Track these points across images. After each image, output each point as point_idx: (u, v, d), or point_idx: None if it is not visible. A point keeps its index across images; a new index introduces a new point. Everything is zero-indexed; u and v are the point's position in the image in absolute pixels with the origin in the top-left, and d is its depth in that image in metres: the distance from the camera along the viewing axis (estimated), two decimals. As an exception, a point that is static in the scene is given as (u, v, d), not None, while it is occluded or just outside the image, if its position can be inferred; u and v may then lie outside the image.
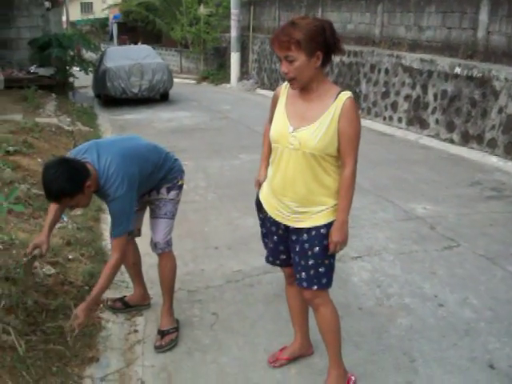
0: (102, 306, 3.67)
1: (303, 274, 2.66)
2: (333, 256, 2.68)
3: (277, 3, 15.93)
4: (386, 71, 10.00)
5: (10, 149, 6.34)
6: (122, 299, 3.73)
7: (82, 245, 4.40)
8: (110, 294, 3.82)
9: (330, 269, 2.68)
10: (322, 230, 2.60)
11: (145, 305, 3.76)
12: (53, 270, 3.74)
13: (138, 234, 3.57)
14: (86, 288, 3.75)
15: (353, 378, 2.88)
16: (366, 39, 11.33)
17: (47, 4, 12.73)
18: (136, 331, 3.52)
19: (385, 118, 10.17)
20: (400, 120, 9.72)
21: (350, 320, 3.49)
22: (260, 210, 2.83)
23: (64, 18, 19.05)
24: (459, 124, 8.27)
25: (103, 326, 3.47)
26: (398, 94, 9.72)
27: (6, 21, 12.36)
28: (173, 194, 3.31)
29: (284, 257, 2.84)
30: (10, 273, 3.35)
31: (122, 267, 3.87)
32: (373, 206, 5.68)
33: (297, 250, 2.67)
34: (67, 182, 2.70)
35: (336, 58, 11.70)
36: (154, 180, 3.20)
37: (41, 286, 3.48)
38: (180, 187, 3.38)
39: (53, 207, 3.19)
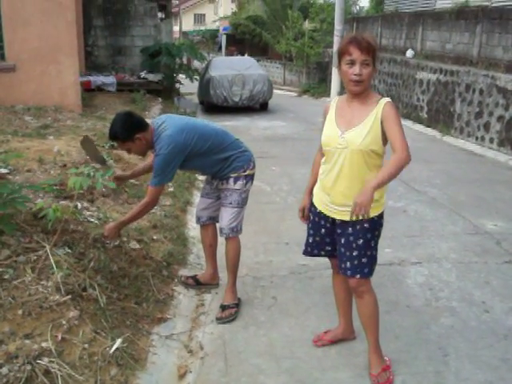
0: (176, 280, 4.19)
1: (348, 263, 2.99)
2: (375, 248, 2.99)
3: (379, 21, 16.16)
4: (481, 91, 9.95)
5: (115, 144, 7.08)
6: (194, 277, 4.22)
7: (166, 229, 4.97)
8: (184, 272, 4.35)
9: (372, 260, 2.99)
10: (365, 225, 2.92)
11: (214, 284, 4.23)
12: (137, 246, 4.31)
13: (217, 220, 3.97)
14: (164, 264, 4.29)
15: (387, 359, 3.16)
16: (464, 59, 11.30)
17: (160, 15, 13.79)
18: (203, 305, 4.00)
19: (477, 138, 10.10)
20: (492, 141, 9.64)
21: (395, 315, 3.77)
22: (312, 206, 3.20)
23: (177, 28, 20.28)
24: (551, 148, 8.14)
25: (175, 297, 3.98)
26: (491, 114, 9.65)
27: (122, 30, 13.58)
28: (239, 184, 3.74)
29: (329, 248, 3.19)
30: (102, 243, 3.93)
31: (201, 249, 4.39)
32: (444, 220, 5.84)
33: (342, 242, 3.01)
34: (120, 128, 3.48)
35: (433, 77, 11.75)
36: (214, 160, 3.65)
37: (126, 256, 4.04)
38: (247, 178, 3.77)
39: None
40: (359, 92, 2.82)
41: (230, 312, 3.78)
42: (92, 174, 4.55)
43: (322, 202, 3.08)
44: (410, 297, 4.07)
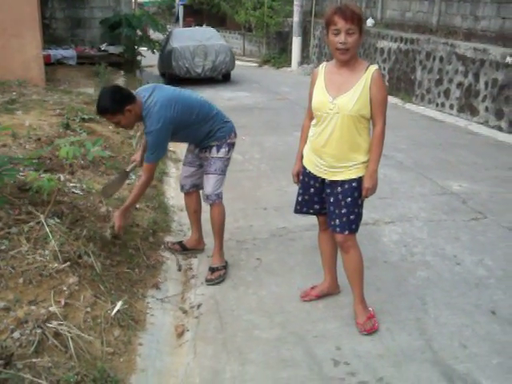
0: (163, 247, 4.32)
1: (337, 221, 3.19)
2: (361, 206, 3.20)
3: (339, -11, 16.25)
4: (441, 59, 10.24)
5: (85, 117, 7.09)
6: (180, 242, 4.37)
7: (147, 198, 5.07)
8: (170, 239, 4.49)
9: (359, 217, 3.21)
10: (353, 184, 3.12)
11: (199, 249, 4.38)
12: (124, 215, 4.41)
13: (202, 187, 4.11)
14: (150, 231, 4.42)
15: (370, 309, 3.40)
16: (424, 27, 11.56)
17: (118, -16, 13.53)
18: (191, 269, 4.16)
19: (437, 105, 10.43)
20: (452, 107, 9.97)
21: (375, 270, 4.01)
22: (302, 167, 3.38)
23: None
24: (508, 112, 8.50)
25: (164, 262, 4.12)
26: (450, 81, 9.96)
27: (80, 1, 13.28)
28: (222, 151, 3.89)
29: (318, 207, 3.38)
30: (89, 214, 4.02)
31: (182, 216, 4.53)
32: (412, 182, 6.12)
33: (331, 200, 3.21)
34: (110, 101, 3.51)
35: (394, 45, 11.99)
36: (199, 131, 3.80)
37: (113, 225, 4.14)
38: (229, 145, 3.93)
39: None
40: (346, 60, 2.98)
41: (219, 273, 3.94)
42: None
43: (312, 163, 3.25)
44: (386, 253, 4.32)
